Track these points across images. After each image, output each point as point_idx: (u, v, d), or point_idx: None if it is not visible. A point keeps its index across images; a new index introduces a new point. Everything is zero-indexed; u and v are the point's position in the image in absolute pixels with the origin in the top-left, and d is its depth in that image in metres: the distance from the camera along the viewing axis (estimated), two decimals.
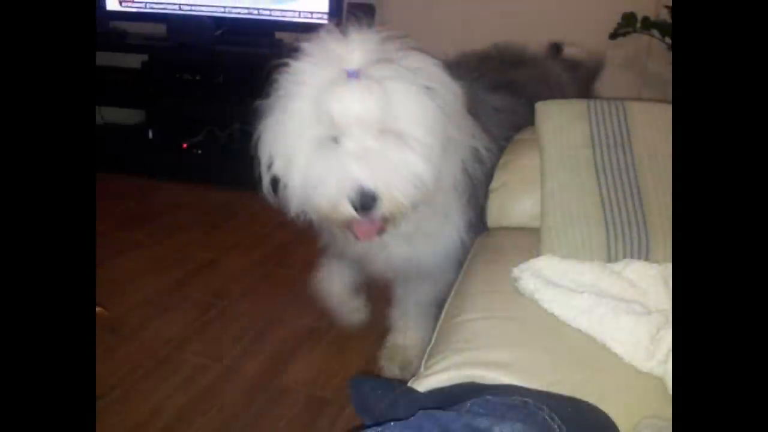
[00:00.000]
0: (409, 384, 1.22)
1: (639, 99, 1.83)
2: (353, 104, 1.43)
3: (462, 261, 1.74)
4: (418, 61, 1.55)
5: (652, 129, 1.61)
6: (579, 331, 1.27)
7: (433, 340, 1.38)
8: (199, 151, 3.84)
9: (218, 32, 3.74)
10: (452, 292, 1.56)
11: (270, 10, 3.67)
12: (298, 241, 2.95)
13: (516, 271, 1.43)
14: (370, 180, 1.44)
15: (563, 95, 2.06)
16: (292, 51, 1.57)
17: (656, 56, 3.32)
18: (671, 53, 3.11)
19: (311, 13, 3.60)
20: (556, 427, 0.93)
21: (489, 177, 1.78)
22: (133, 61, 3.95)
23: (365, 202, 1.44)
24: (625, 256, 1.48)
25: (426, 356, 1.33)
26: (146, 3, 3.87)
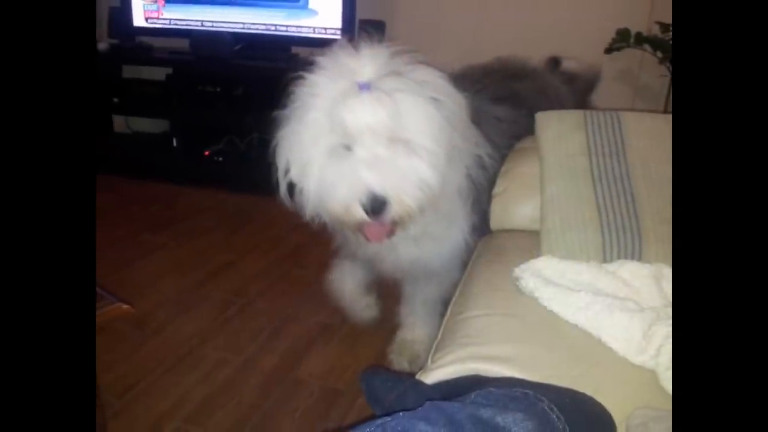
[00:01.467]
0: (416, 377, 1.22)
1: (633, 110, 1.82)
2: (365, 115, 1.44)
3: (466, 261, 1.75)
4: (425, 73, 1.55)
5: (645, 138, 1.61)
6: (576, 327, 1.27)
7: (439, 336, 1.39)
8: (220, 159, 3.85)
9: (237, 47, 3.75)
10: (457, 291, 1.56)
11: (286, 26, 3.68)
12: (312, 243, 2.96)
13: (517, 271, 1.44)
14: (380, 185, 1.44)
15: (562, 106, 2.06)
16: (307, 65, 1.58)
17: (649, 69, 3.32)
18: (663, 66, 3.12)
19: (325, 29, 3.60)
20: (555, 417, 0.93)
21: (492, 183, 1.78)
22: (158, 73, 3.98)
23: (376, 206, 1.45)
24: (619, 257, 1.48)
25: (432, 351, 1.33)
26: (170, 20, 3.89)
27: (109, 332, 2.16)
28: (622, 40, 3.10)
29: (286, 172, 1.61)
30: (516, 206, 1.75)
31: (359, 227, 1.54)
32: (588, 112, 1.70)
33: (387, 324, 2.25)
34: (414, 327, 2.12)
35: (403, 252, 1.78)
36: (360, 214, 1.47)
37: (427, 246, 1.78)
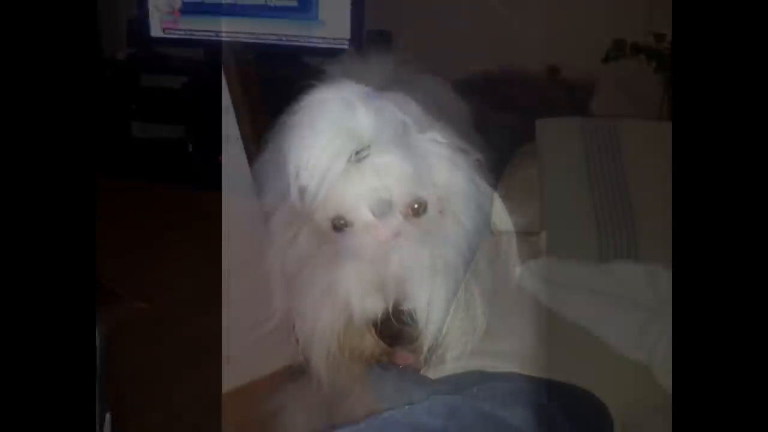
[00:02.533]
0: (421, 372, 1.22)
1: (628, 116, 1.83)
2: (371, 121, 1.44)
3: (469, 261, 1.74)
4: (429, 81, 1.55)
5: (641, 143, 1.61)
6: (575, 325, 1.27)
7: (443, 333, 1.38)
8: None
9: (250, 56, 3.77)
10: (460, 290, 1.56)
11: (297, 36, 3.69)
12: None
13: (518, 271, 1.44)
14: (385, 187, 1.44)
15: (561, 113, 2.06)
16: (317, 73, 1.58)
17: (644, 78, 3.32)
18: (658, 75, 3.12)
19: (334, 39, 3.61)
20: (553, 410, 0.93)
21: (494, 186, 1.78)
22: (175, 82, 3.99)
23: (382, 208, 1.45)
24: (615, 257, 1.47)
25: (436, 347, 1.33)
26: (186, 30, 3.91)
27: (127, 331, 2.17)
28: (618, 49, 3.11)
29: (297, 176, 1.61)
30: (517, 208, 1.75)
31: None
32: (586, 119, 1.70)
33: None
34: (418, 324, 2.11)
35: (407, 251, 1.78)
36: (366, 216, 1.47)
37: (430, 246, 1.77)
